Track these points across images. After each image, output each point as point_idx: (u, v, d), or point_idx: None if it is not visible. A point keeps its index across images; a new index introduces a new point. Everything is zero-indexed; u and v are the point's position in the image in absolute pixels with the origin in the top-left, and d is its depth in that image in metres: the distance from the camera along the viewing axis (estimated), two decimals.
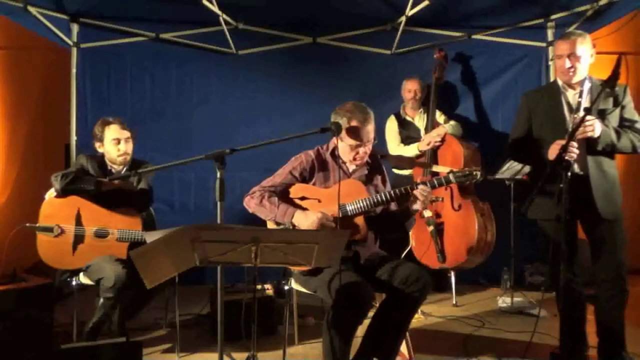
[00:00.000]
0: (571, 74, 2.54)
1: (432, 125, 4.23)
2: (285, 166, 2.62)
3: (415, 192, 2.38)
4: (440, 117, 4.36)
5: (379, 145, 2.58)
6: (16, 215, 4.27)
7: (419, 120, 4.41)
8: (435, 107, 4.29)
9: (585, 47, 2.52)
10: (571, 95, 2.60)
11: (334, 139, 2.59)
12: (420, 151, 4.22)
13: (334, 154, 2.61)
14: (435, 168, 4.04)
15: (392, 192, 2.43)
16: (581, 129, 2.36)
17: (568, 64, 2.52)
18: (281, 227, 2.51)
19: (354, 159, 2.53)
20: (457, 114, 4.73)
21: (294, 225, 2.47)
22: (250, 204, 2.57)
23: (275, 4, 4.32)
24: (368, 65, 4.86)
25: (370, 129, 2.48)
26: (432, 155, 4.17)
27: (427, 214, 4.02)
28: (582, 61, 2.52)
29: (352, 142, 2.46)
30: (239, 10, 4.38)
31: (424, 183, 2.39)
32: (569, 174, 2.36)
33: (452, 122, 4.28)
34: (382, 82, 4.74)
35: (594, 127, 2.37)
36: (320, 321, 2.97)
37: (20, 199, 4.62)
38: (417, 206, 2.41)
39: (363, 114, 2.47)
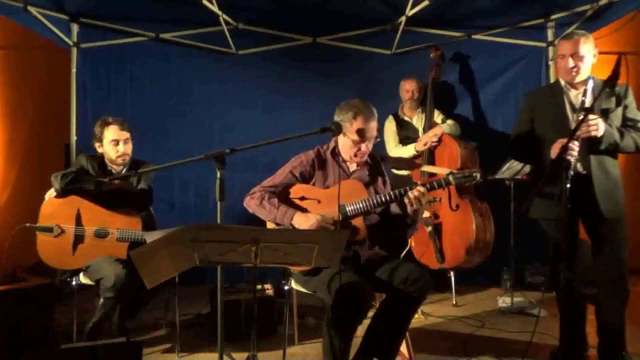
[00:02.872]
0: (574, 73, 2.54)
1: (429, 125, 4.24)
2: (285, 166, 2.62)
3: (410, 193, 2.36)
4: (438, 116, 4.36)
5: (377, 145, 2.58)
6: (16, 215, 4.27)
7: (417, 120, 4.41)
8: (433, 106, 4.29)
9: (588, 46, 2.53)
10: (574, 95, 2.60)
11: (335, 139, 2.60)
12: (417, 151, 4.22)
13: (334, 152, 2.62)
14: (428, 168, 4.05)
15: (391, 193, 2.43)
16: (584, 128, 2.36)
17: (571, 63, 2.52)
18: (281, 227, 2.51)
19: (355, 156, 2.54)
20: (457, 113, 4.73)
21: (293, 227, 2.47)
22: (251, 204, 2.57)
23: (275, 4, 4.32)
24: (368, 65, 4.86)
25: (373, 125, 2.50)
26: (429, 156, 4.17)
27: (425, 214, 4.02)
28: (585, 61, 2.53)
29: (356, 137, 2.47)
30: (239, 10, 4.38)
31: (423, 184, 2.39)
32: (572, 173, 2.37)
33: (449, 122, 4.28)
34: (381, 82, 4.74)
35: (598, 126, 2.38)
36: (320, 321, 2.98)
37: (20, 199, 4.62)
38: (410, 209, 2.39)
39: (368, 110, 2.49)
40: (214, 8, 4.09)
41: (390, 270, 2.40)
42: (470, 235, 3.89)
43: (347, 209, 2.45)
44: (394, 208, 2.60)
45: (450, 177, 2.38)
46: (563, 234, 2.49)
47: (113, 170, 3.08)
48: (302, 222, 2.44)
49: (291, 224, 2.47)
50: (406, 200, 2.37)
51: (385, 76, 4.74)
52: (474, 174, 2.37)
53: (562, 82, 2.65)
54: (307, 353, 3.06)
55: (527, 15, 4.55)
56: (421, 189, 2.36)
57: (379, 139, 2.58)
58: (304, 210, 2.53)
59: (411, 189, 2.38)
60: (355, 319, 2.24)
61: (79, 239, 2.90)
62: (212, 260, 1.93)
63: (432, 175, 4.05)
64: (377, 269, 2.44)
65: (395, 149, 4.36)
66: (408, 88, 4.38)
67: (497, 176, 3.91)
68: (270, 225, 2.59)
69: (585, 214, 2.59)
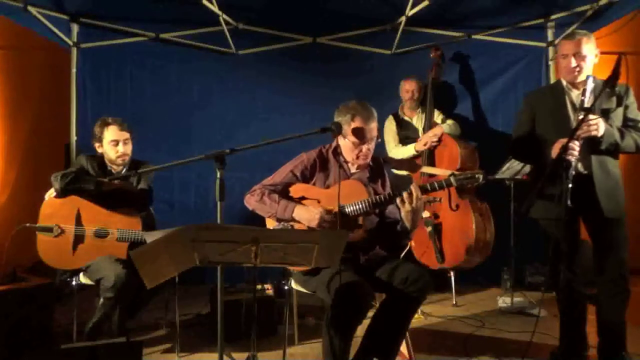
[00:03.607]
0: (576, 73, 2.54)
1: (429, 125, 4.24)
2: (287, 165, 2.62)
3: (404, 193, 2.33)
4: (438, 116, 4.36)
5: (377, 146, 2.58)
6: (16, 215, 4.27)
7: (417, 120, 4.42)
8: (433, 106, 4.29)
9: (590, 46, 2.54)
10: (575, 95, 2.60)
11: (337, 139, 2.59)
12: (417, 151, 4.22)
13: (336, 152, 2.61)
14: (430, 170, 4.05)
15: (390, 193, 2.42)
16: (585, 127, 2.36)
17: (573, 63, 2.53)
18: (282, 224, 2.51)
19: (357, 157, 2.53)
20: (457, 113, 4.73)
21: (294, 220, 2.47)
22: (251, 201, 2.57)
23: (275, 4, 4.33)
24: (368, 65, 4.87)
25: (373, 126, 2.49)
26: (429, 156, 4.17)
27: (425, 214, 4.02)
28: (587, 60, 2.54)
29: (355, 139, 2.47)
30: (239, 10, 4.39)
31: (424, 185, 2.37)
32: (573, 172, 2.37)
33: (449, 122, 4.29)
34: (382, 82, 4.74)
35: (598, 126, 2.38)
36: (320, 321, 2.98)
37: (20, 199, 4.61)
38: (404, 210, 2.36)
39: (366, 111, 2.48)
40: (214, 8, 4.09)
41: (390, 270, 2.40)
42: (470, 235, 3.89)
43: (347, 209, 2.44)
44: (391, 213, 2.59)
45: (452, 179, 2.35)
46: (563, 233, 2.49)
47: (113, 171, 3.08)
48: (304, 214, 2.44)
49: (292, 217, 2.46)
50: (398, 200, 2.35)
51: (385, 76, 4.74)
52: (477, 176, 2.33)
53: (564, 82, 2.65)
54: (307, 353, 3.06)
55: (527, 15, 4.55)
56: (414, 189, 2.32)
57: (379, 140, 2.57)
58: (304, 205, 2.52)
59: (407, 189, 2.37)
60: (355, 319, 2.24)
61: (79, 239, 2.90)
62: (212, 260, 1.92)
63: (432, 175, 4.05)
64: (377, 269, 2.44)
65: (395, 149, 4.36)
66: (408, 88, 4.38)
67: (497, 176, 3.91)
68: (270, 223, 2.59)
69: (586, 214, 2.59)
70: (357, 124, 2.45)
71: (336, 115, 2.52)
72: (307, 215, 2.43)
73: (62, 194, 2.88)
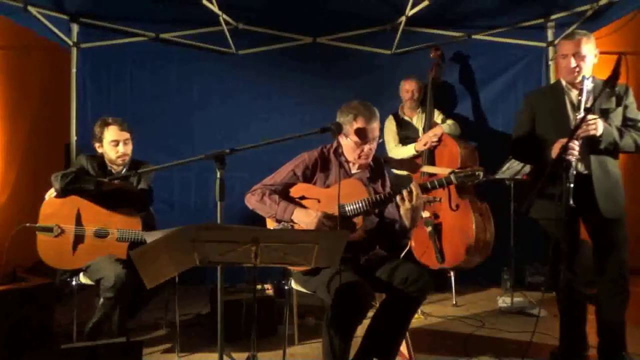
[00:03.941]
0: (576, 73, 2.54)
1: (429, 125, 4.24)
2: (288, 164, 2.62)
3: (404, 190, 2.33)
4: (438, 116, 4.36)
5: (378, 146, 2.58)
6: (16, 215, 4.27)
7: (417, 120, 4.42)
8: (433, 106, 4.29)
9: (589, 46, 2.54)
10: (575, 95, 2.59)
11: (338, 139, 2.59)
12: (417, 151, 4.23)
13: (337, 152, 2.61)
14: (430, 169, 4.05)
15: (390, 192, 2.42)
16: (584, 127, 2.37)
17: (573, 63, 2.53)
18: (281, 225, 2.51)
19: (359, 157, 2.53)
20: (457, 113, 4.73)
21: (293, 222, 2.47)
22: (251, 200, 2.57)
23: (275, 4, 4.33)
24: (368, 65, 4.86)
25: (375, 126, 2.49)
26: (429, 156, 4.17)
27: (425, 214, 4.02)
28: (586, 60, 2.54)
29: (357, 139, 2.47)
30: (239, 10, 4.39)
31: (425, 184, 2.38)
32: (574, 172, 2.37)
33: (449, 122, 4.29)
34: (382, 82, 4.74)
35: (597, 126, 2.38)
36: (320, 321, 2.97)
37: (20, 199, 4.62)
38: (404, 209, 2.36)
39: (368, 111, 2.48)
40: (214, 8, 4.09)
41: (390, 270, 2.40)
42: (470, 235, 3.89)
43: (347, 208, 2.44)
44: (390, 213, 2.58)
45: (452, 176, 2.35)
46: (563, 233, 2.50)
47: (113, 170, 3.08)
48: (303, 217, 2.44)
49: (291, 219, 2.46)
50: (398, 198, 2.35)
51: (385, 76, 4.74)
52: (477, 173, 2.33)
53: (563, 83, 2.65)
54: (307, 353, 3.06)
55: (527, 15, 4.55)
56: (414, 187, 2.33)
57: (381, 140, 2.57)
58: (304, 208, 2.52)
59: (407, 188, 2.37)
60: (355, 319, 2.24)
61: (79, 239, 2.90)
62: (212, 260, 1.92)
63: (432, 175, 4.05)
64: (376, 269, 2.44)
65: (395, 149, 4.36)
66: (408, 88, 4.38)
67: (497, 176, 3.91)
68: (270, 223, 2.59)
69: (586, 214, 2.59)
70: (359, 124, 2.45)
71: (338, 116, 2.53)
72: (306, 219, 2.43)
73: (62, 194, 2.88)
